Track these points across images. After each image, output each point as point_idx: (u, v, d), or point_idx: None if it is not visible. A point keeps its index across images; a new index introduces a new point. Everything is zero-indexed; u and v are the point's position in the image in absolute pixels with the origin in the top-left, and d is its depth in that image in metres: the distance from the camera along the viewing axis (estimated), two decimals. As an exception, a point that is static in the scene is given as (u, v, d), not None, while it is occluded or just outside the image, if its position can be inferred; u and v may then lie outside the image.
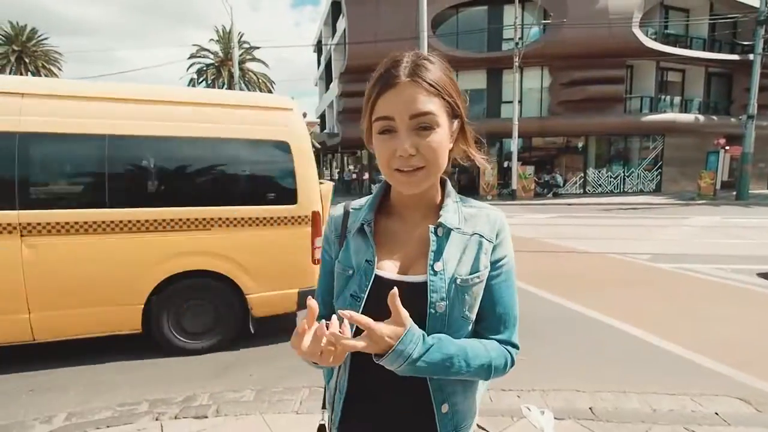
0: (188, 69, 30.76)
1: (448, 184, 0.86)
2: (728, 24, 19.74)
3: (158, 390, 2.87)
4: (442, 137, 0.74)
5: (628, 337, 3.82)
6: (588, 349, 3.58)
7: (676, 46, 19.00)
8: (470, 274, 0.77)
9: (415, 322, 0.71)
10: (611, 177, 20.25)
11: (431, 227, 0.79)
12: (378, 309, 0.73)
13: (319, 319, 0.92)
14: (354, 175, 24.53)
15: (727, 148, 17.91)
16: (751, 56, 16.93)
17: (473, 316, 0.80)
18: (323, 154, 29.66)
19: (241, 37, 29.34)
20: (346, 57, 19.49)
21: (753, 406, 2.72)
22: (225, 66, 29.53)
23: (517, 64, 16.36)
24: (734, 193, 17.05)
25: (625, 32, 17.36)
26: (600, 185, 20.27)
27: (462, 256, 0.78)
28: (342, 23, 20.72)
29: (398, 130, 0.72)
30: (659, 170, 20.18)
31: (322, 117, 31.69)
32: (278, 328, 3.79)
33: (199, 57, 30.69)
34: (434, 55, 0.77)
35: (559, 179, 19.41)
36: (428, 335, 0.72)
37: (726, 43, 20.50)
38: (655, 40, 18.58)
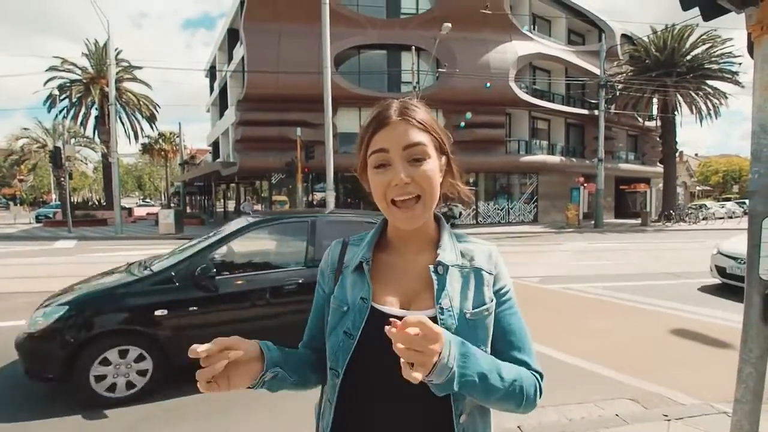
0: (46, 83, 26.33)
1: (443, 220, 0.89)
2: (579, 85, 24.10)
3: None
4: (434, 167, 0.78)
5: (538, 355, 4.15)
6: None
7: (542, 99, 22.47)
8: (478, 307, 0.79)
9: None
10: (498, 209, 22.58)
11: (431, 267, 0.80)
12: (375, 345, 0.73)
13: (305, 347, 0.92)
14: (255, 207, 22.94)
15: (585, 185, 21.43)
16: (596, 112, 20.85)
17: (488, 350, 0.80)
18: (215, 185, 27.75)
19: (118, 53, 26.53)
20: (245, 85, 18.90)
21: (641, 404, 3.13)
22: (96, 84, 26.07)
23: (414, 105, 17.60)
24: (593, 222, 20.30)
25: (503, 85, 20.00)
26: (489, 216, 22.42)
27: (466, 291, 0.80)
28: (240, 50, 20.19)
29: (392, 162, 0.76)
30: (535, 203, 23.13)
31: (215, 144, 29.91)
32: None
33: (62, 71, 26.68)
34: (418, 101, 0.84)
35: (456, 211, 20.99)
36: None
37: (578, 100, 24.94)
38: (527, 93, 21.73)
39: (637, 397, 3.21)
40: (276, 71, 17.75)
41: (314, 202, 17.76)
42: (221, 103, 26.54)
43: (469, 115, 18.41)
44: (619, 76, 23.05)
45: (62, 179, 20.34)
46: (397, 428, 0.77)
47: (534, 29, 23.16)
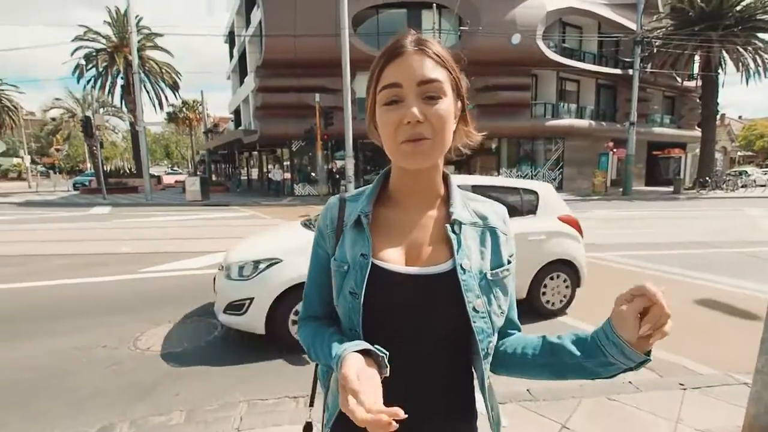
0: (73, 53, 26.72)
1: (450, 177, 0.83)
2: (613, 42, 22.60)
3: (66, 421, 2.43)
4: (449, 108, 0.71)
5: (556, 323, 4.16)
6: (519, 335, 3.81)
7: (572, 59, 21.24)
8: (496, 267, 0.77)
9: (438, 317, 0.72)
10: (521, 176, 22.03)
11: (448, 225, 0.77)
12: (382, 303, 0.72)
13: (314, 318, 0.85)
14: (286, 175, 21.03)
15: (615, 150, 20.52)
16: (631, 71, 19.61)
17: (506, 309, 0.79)
18: (239, 153, 28.04)
19: (139, 21, 26.43)
20: (263, 50, 18.60)
21: (656, 373, 3.12)
22: (120, 52, 26.26)
23: (436, 67, 17.00)
24: (621, 189, 19.59)
25: (530, 43, 18.96)
26: (512, 183, 21.93)
27: (483, 250, 0.77)
28: (257, 14, 19.74)
29: (405, 98, 0.69)
30: (561, 170, 22.42)
31: (237, 113, 29.95)
32: (202, 340, 3.45)
33: (88, 41, 26.93)
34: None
35: (476, 178, 20.64)
36: (477, 335, 0.73)
37: (611, 59, 23.45)
38: (555, 52, 20.56)
39: (654, 366, 3.18)
40: (293, 35, 17.36)
41: (333, 169, 17.74)
42: (241, 70, 26.32)
43: (516, 39, 17.08)
44: (658, 31, 21.44)
45: (94, 148, 20.99)
46: (415, 389, 0.74)
47: (566, -19, 21.61)
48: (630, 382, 2.93)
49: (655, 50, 21.09)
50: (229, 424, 2.35)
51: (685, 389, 2.85)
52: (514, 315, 0.86)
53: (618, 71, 22.74)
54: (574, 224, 4.45)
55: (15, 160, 43.57)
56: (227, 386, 2.83)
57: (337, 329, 0.79)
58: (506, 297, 0.78)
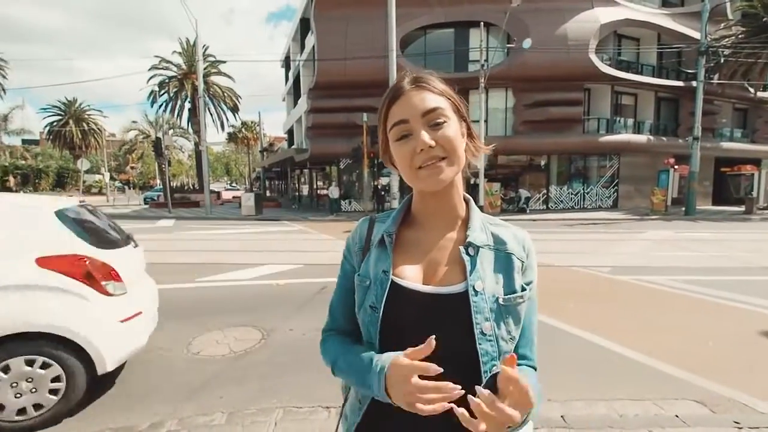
0: (149, 81, 29.70)
1: (472, 201, 0.88)
2: (674, 53, 21.36)
3: (120, 417, 2.70)
4: (456, 129, 0.78)
5: (594, 347, 3.95)
6: (558, 360, 3.67)
7: (628, 72, 20.30)
8: (510, 293, 0.78)
9: (446, 335, 0.72)
10: (572, 194, 21.14)
11: (462, 248, 0.80)
12: (397, 318, 0.77)
13: (337, 330, 0.91)
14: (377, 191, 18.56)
15: (676, 167, 19.16)
16: (694, 83, 18.40)
17: (517, 336, 0.80)
18: (291, 170, 29.34)
19: (206, 50, 28.85)
20: (315, 73, 19.57)
21: (708, 408, 2.87)
22: (188, 79, 28.81)
23: (482, 84, 16.99)
24: (683, 208, 18.19)
25: (582, 58, 18.42)
26: (562, 201, 21.10)
27: (497, 275, 0.79)
28: (311, 39, 20.86)
29: (414, 131, 0.76)
30: (616, 187, 21.26)
31: (290, 132, 31.51)
32: (247, 348, 3.68)
33: (161, 69, 29.81)
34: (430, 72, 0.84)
35: (522, 195, 20.03)
36: (481, 357, 0.74)
37: (672, 70, 22.12)
38: (610, 65, 19.78)
39: (705, 400, 2.96)
40: (344, 58, 18.12)
41: (379, 186, 18.02)
42: (295, 92, 27.78)
43: (527, 44, 16.73)
44: (726, 39, 19.99)
45: (163, 166, 22.91)
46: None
47: (621, -8, 20.88)
48: (677, 416, 2.76)
49: (722, 60, 19.65)
50: (264, 428, 2.51)
51: (741, 428, 2.64)
52: (528, 352, 0.83)
53: (680, 83, 21.40)
54: (80, 270, 2.57)
55: (97, 177, 48.52)
56: (266, 392, 3.02)
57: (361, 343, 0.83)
58: (517, 325, 0.78)
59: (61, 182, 49.09)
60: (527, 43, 16.31)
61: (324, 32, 19.19)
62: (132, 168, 41.65)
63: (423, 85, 0.77)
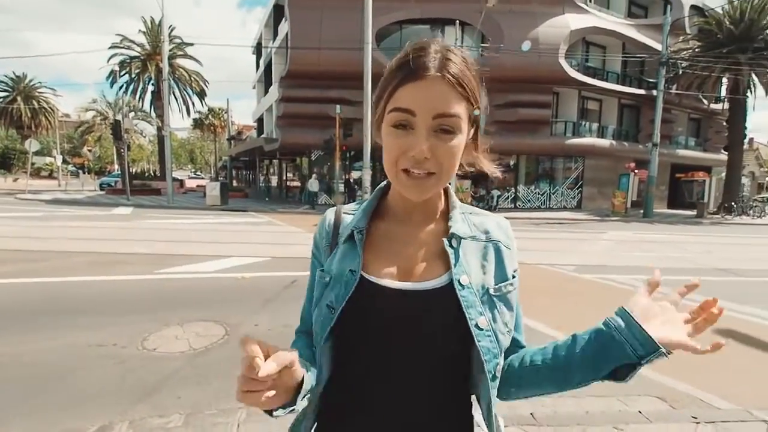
0: (109, 60, 27.98)
1: (450, 189, 0.80)
2: (637, 62, 22.33)
3: (66, 418, 2.47)
4: (461, 144, 0.67)
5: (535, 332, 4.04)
6: (526, 356, 3.72)
7: (595, 78, 21.06)
8: (501, 281, 0.73)
9: (429, 334, 0.68)
10: (539, 193, 21.77)
11: (445, 240, 0.72)
12: (371, 319, 0.69)
13: (306, 332, 0.82)
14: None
15: (636, 171, 20.11)
16: (655, 92, 19.33)
17: (512, 327, 0.76)
18: (260, 160, 28.59)
19: (172, 30, 27.50)
20: (288, 61, 19.09)
21: (668, 404, 2.98)
22: (152, 60, 27.39)
23: (456, 82, 17.07)
24: (641, 211, 19.13)
25: (553, 61, 18.90)
26: (529, 201, 21.69)
27: (485, 265, 0.73)
28: (284, 27, 20.32)
29: (416, 127, 0.64)
30: (580, 189, 22.07)
31: (260, 121, 30.67)
32: (208, 344, 3.49)
33: (123, 48, 28.18)
34: (460, 48, 0.69)
35: (494, 194, 20.43)
36: (483, 355, 0.68)
37: (635, 79, 23.16)
38: (578, 71, 20.44)
39: (666, 396, 3.06)
40: (318, 47, 17.76)
41: (351, 180, 17.89)
42: (266, 80, 27.02)
43: (526, 46, 17.03)
44: (684, 52, 21.10)
45: (122, 150, 21.76)
46: (406, 419, 0.69)
47: (590, 0, 21.57)
48: (640, 411, 2.84)
49: (680, 71, 20.74)
50: (226, 429, 2.36)
51: (698, 423, 2.73)
52: (520, 336, 0.81)
53: (642, 92, 22.47)
54: None
55: (48, 159, 45.52)
56: (228, 392, 2.85)
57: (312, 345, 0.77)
58: (512, 314, 0.74)
59: (6, 164, 45.88)
60: (527, 45, 16.57)
61: (298, 20, 18.72)
62: (89, 151, 39.35)
63: (449, 76, 0.63)
